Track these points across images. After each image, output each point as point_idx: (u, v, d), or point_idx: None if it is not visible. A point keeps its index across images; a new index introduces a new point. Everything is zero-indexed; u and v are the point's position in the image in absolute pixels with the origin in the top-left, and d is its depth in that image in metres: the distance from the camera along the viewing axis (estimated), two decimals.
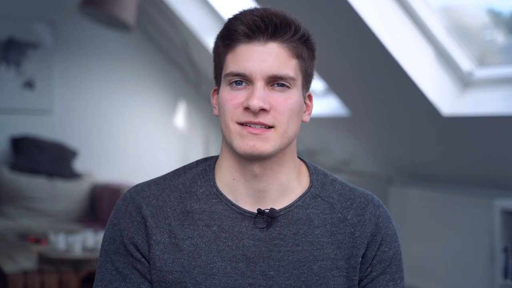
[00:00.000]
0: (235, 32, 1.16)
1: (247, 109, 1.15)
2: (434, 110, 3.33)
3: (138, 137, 5.48)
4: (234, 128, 1.17)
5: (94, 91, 5.34)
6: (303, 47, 1.20)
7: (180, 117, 5.59)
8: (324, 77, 3.88)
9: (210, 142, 5.52)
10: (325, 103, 4.36)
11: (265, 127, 1.16)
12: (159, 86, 5.54)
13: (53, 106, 5.19)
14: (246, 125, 1.16)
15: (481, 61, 3.33)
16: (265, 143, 1.16)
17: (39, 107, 5.14)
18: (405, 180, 4.10)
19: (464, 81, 3.37)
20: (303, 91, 1.22)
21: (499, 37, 3.33)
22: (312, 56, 1.23)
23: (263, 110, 1.15)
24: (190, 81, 5.56)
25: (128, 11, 4.04)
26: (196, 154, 5.49)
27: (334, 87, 3.91)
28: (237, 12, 1.19)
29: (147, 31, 5.43)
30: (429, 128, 3.55)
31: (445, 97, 3.34)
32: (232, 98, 1.16)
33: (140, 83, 5.48)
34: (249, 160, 1.19)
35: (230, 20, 1.19)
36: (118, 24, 4.18)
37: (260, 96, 1.14)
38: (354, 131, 4.19)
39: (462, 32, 3.31)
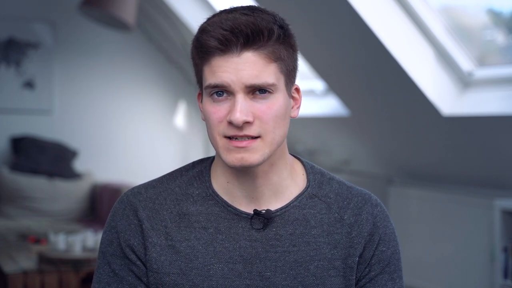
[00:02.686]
0: (207, 46, 1.14)
1: (231, 123, 1.14)
2: (434, 110, 3.33)
3: (138, 137, 5.48)
4: (221, 142, 1.16)
5: (94, 91, 5.34)
6: (281, 47, 1.16)
7: (180, 117, 5.59)
8: (324, 77, 3.88)
9: (210, 142, 5.52)
10: (325, 103, 4.36)
11: (250, 138, 1.15)
12: (159, 86, 5.54)
13: (53, 106, 5.19)
14: (232, 139, 1.15)
15: (481, 61, 3.32)
16: (254, 154, 1.15)
17: (39, 107, 5.14)
18: (405, 180, 4.10)
19: (464, 81, 3.37)
20: (287, 90, 1.19)
21: (499, 37, 3.33)
22: (292, 51, 1.19)
23: (247, 122, 1.13)
24: (190, 81, 5.56)
25: (128, 11, 4.04)
26: (196, 154, 5.50)
27: (334, 87, 3.91)
28: (206, 22, 1.17)
29: (147, 31, 5.43)
30: (429, 128, 3.55)
31: (445, 97, 3.33)
32: (215, 112, 1.15)
33: (140, 83, 5.49)
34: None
35: (200, 32, 1.17)
36: (118, 24, 4.18)
37: (241, 109, 1.13)
38: (354, 131, 4.19)
39: (462, 32, 3.31)
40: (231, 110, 1.14)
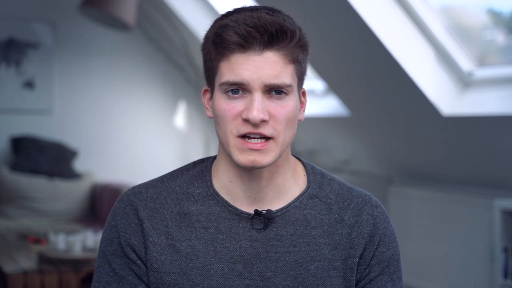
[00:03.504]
0: (228, 41, 1.13)
1: (246, 121, 1.13)
2: (434, 110, 3.33)
3: (138, 137, 5.48)
4: (234, 142, 1.15)
5: (94, 91, 5.34)
6: (299, 50, 1.17)
7: (180, 117, 5.59)
8: (324, 77, 3.88)
9: (210, 142, 5.53)
10: (325, 103, 4.36)
11: (264, 139, 1.15)
12: (159, 86, 5.54)
13: (53, 106, 5.19)
14: (245, 139, 1.14)
15: (481, 61, 3.32)
16: (266, 156, 1.15)
17: (39, 107, 5.14)
18: (405, 180, 4.10)
19: (464, 81, 3.37)
20: (298, 92, 1.20)
21: (499, 37, 3.33)
22: (306, 55, 1.20)
23: (263, 121, 1.13)
24: (190, 81, 5.56)
25: (128, 11, 4.03)
26: (196, 154, 5.49)
27: (334, 87, 3.91)
28: (228, 18, 1.16)
29: (147, 31, 5.43)
30: (429, 128, 3.55)
31: (445, 97, 3.33)
32: (230, 109, 1.14)
33: (140, 83, 5.49)
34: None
35: (221, 27, 1.15)
36: (118, 24, 4.18)
37: (259, 107, 1.12)
38: (354, 131, 4.19)
39: (462, 32, 3.31)
40: (247, 108, 1.13)
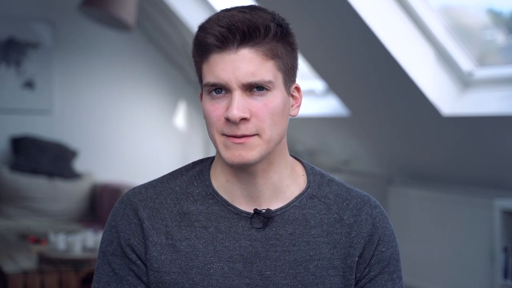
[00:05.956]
0: (204, 43, 1.15)
1: (228, 120, 1.14)
2: (434, 110, 3.33)
3: (138, 137, 5.48)
4: (220, 139, 1.16)
5: (94, 91, 5.34)
6: (278, 45, 1.16)
7: (180, 117, 5.59)
8: (324, 77, 3.88)
9: (210, 142, 5.52)
10: (325, 103, 4.36)
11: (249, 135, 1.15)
12: (159, 86, 5.55)
13: (53, 106, 5.19)
14: (230, 136, 1.16)
15: (481, 61, 3.33)
16: (251, 151, 1.15)
17: (39, 107, 5.14)
18: (405, 180, 4.10)
19: (464, 81, 3.37)
20: (286, 87, 1.19)
21: (499, 37, 3.33)
22: (291, 49, 1.19)
23: (244, 119, 1.14)
24: (190, 81, 5.56)
25: (128, 11, 4.03)
26: (196, 154, 5.50)
27: (334, 87, 3.91)
28: (205, 20, 1.18)
29: (147, 31, 5.43)
30: (429, 128, 3.55)
31: (445, 97, 3.34)
32: (214, 110, 1.16)
33: (140, 83, 5.49)
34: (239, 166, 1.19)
35: (199, 30, 1.18)
36: (118, 24, 4.18)
37: (238, 106, 1.13)
38: (354, 131, 4.19)
39: (462, 32, 3.31)
40: (228, 107, 1.14)
